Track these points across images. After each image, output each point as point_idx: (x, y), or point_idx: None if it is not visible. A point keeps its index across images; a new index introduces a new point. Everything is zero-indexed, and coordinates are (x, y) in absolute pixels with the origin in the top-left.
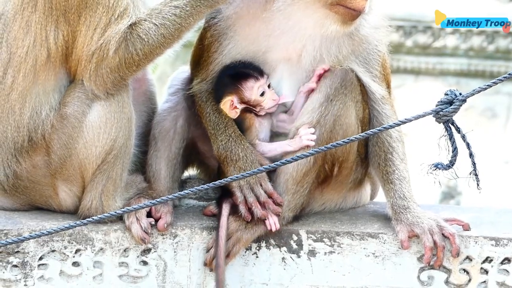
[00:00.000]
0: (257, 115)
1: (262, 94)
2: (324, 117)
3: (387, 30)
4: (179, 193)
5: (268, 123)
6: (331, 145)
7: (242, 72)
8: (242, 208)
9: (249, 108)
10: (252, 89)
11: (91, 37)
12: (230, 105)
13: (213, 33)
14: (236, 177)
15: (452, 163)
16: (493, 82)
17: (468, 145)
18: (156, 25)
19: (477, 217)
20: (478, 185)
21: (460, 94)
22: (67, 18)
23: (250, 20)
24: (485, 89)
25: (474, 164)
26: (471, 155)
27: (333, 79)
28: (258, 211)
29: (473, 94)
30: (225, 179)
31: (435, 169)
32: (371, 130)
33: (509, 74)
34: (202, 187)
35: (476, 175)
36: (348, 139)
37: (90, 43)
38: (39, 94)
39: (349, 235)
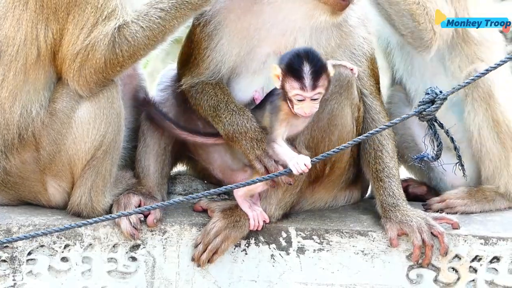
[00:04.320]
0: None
1: (300, 100)
2: (318, 115)
3: (373, 24)
4: (176, 199)
5: (297, 127)
6: (327, 153)
7: (300, 70)
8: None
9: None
10: (293, 90)
11: (78, 36)
12: (276, 75)
13: (203, 28)
14: (236, 185)
15: (438, 156)
16: (472, 79)
17: (452, 139)
18: (143, 27)
19: (467, 216)
20: (464, 174)
21: (441, 92)
22: (56, 16)
23: (240, 14)
24: (465, 86)
25: (459, 156)
26: (455, 148)
27: None
28: (282, 177)
29: (453, 92)
30: (232, 185)
31: (422, 160)
32: (358, 138)
33: (486, 70)
34: (214, 191)
35: (462, 165)
36: (337, 149)
37: (75, 42)
38: (29, 92)
39: (338, 232)
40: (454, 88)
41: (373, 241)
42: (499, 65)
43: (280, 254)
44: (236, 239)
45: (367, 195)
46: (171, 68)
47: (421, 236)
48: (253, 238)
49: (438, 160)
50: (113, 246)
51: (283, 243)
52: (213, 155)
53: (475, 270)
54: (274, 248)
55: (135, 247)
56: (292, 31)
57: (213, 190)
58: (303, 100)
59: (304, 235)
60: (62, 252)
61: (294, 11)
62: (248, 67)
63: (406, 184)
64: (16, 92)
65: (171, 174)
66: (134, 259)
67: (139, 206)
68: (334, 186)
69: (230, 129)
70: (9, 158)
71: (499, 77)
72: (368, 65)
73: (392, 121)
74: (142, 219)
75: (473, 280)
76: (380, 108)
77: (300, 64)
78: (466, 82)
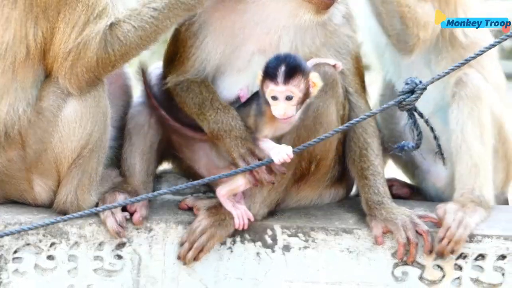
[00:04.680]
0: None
1: (275, 99)
2: (304, 113)
3: (357, 22)
4: (160, 191)
5: (282, 129)
6: (309, 143)
7: (272, 68)
8: (250, 177)
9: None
10: (267, 88)
11: (69, 34)
12: (259, 79)
13: (188, 27)
14: (219, 176)
15: (417, 145)
16: (451, 69)
17: (432, 128)
18: (135, 27)
19: None
20: (444, 163)
21: (420, 82)
22: (46, 14)
23: (225, 12)
24: (445, 75)
25: (439, 145)
26: (435, 137)
27: None
28: (265, 176)
29: (433, 82)
30: (213, 176)
31: (402, 149)
32: (340, 127)
33: (476, 54)
34: (198, 182)
35: (441, 154)
36: (318, 139)
37: (67, 40)
38: (17, 90)
39: (323, 230)
40: (433, 78)
41: (358, 238)
42: (482, 51)
43: (265, 251)
44: (221, 237)
45: (352, 192)
46: (157, 66)
47: (406, 234)
48: (239, 236)
49: (418, 150)
50: (99, 244)
51: (269, 241)
52: (198, 153)
53: (460, 268)
54: (259, 246)
55: (121, 245)
56: (276, 29)
57: (197, 181)
58: (277, 99)
59: (290, 233)
60: (48, 250)
61: (278, 9)
62: (233, 65)
63: (390, 184)
64: (3, 91)
65: (157, 172)
66: (120, 257)
67: (125, 205)
68: (319, 184)
69: (215, 127)
70: None
71: (489, 81)
72: (353, 64)
73: (373, 111)
74: (128, 217)
75: (458, 278)
76: (365, 107)
77: (276, 65)
78: (445, 72)
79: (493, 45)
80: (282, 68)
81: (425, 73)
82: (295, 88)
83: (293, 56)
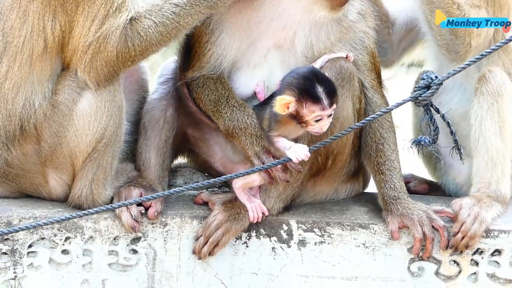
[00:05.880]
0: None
1: (318, 121)
2: None
3: (373, 18)
4: (177, 189)
5: (297, 133)
6: (325, 141)
7: (316, 92)
8: (264, 175)
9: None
10: (312, 113)
11: (89, 28)
12: (285, 105)
13: (204, 22)
14: (235, 174)
15: (434, 141)
16: (467, 64)
17: (448, 123)
18: (156, 23)
19: None
20: (461, 158)
21: (436, 77)
22: (65, 8)
23: (241, 8)
24: (460, 71)
25: (455, 140)
26: (452, 132)
27: (328, 72)
28: (279, 174)
29: (449, 77)
30: (230, 175)
31: (419, 144)
32: (355, 124)
33: (481, 55)
34: (214, 181)
35: (459, 149)
36: (335, 136)
37: (87, 34)
38: (33, 84)
39: (339, 225)
40: (449, 73)
41: (374, 233)
42: (494, 49)
43: (281, 246)
44: (237, 232)
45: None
46: (173, 60)
47: (422, 229)
48: (254, 231)
49: (435, 145)
50: (114, 239)
51: (284, 236)
52: (214, 148)
53: (477, 263)
54: (275, 241)
55: (136, 239)
56: (291, 25)
57: (213, 180)
58: (321, 119)
59: (305, 228)
60: (63, 244)
61: (293, 5)
62: (249, 61)
63: (407, 181)
64: (20, 84)
65: (172, 167)
66: (135, 251)
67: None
68: (335, 179)
69: (230, 125)
70: (10, 150)
71: None
72: (369, 59)
73: (388, 107)
74: (143, 211)
75: (475, 273)
76: (380, 102)
77: (315, 86)
78: (461, 67)
79: (493, 49)
80: (325, 90)
81: (473, 72)
82: (336, 105)
83: (321, 72)
